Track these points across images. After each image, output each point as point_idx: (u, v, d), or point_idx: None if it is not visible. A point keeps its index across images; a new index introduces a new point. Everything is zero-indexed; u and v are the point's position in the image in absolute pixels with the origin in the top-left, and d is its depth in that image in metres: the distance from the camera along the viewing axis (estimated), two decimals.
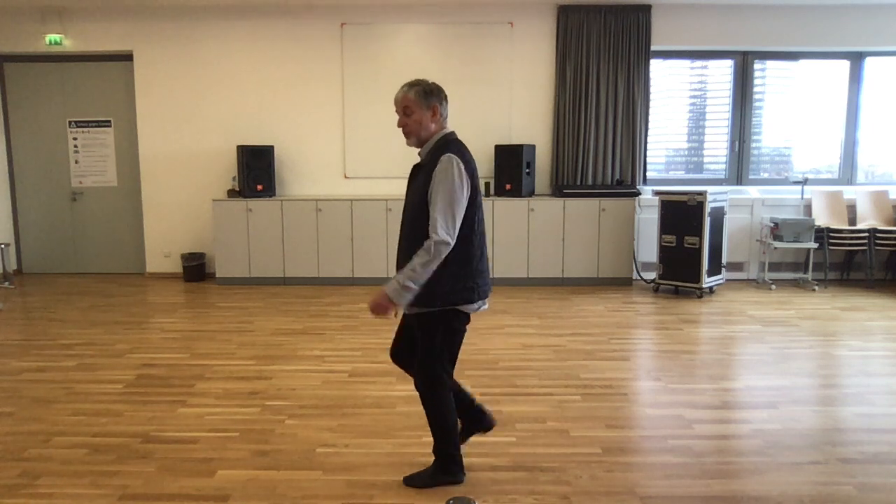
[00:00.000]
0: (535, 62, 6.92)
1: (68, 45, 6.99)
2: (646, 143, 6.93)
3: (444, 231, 2.38)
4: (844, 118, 7.11)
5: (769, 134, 7.17)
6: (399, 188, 7.00)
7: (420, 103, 2.53)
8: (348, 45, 6.92)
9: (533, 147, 6.75)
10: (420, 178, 2.51)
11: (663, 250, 6.32)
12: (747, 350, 4.50)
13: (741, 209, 6.90)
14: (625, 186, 6.78)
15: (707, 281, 6.14)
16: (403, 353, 2.71)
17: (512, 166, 6.61)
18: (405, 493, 2.60)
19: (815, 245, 6.47)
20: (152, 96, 7.06)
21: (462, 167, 2.43)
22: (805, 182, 6.64)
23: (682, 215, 6.14)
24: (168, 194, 7.18)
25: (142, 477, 2.74)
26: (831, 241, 6.54)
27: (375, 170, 7.05)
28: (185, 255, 7.02)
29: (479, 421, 2.79)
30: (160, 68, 7.02)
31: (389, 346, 2.72)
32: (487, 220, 6.53)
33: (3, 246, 6.96)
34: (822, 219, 6.71)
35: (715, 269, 6.28)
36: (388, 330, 4.99)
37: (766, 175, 7.23)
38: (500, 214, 6.55)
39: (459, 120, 6.89)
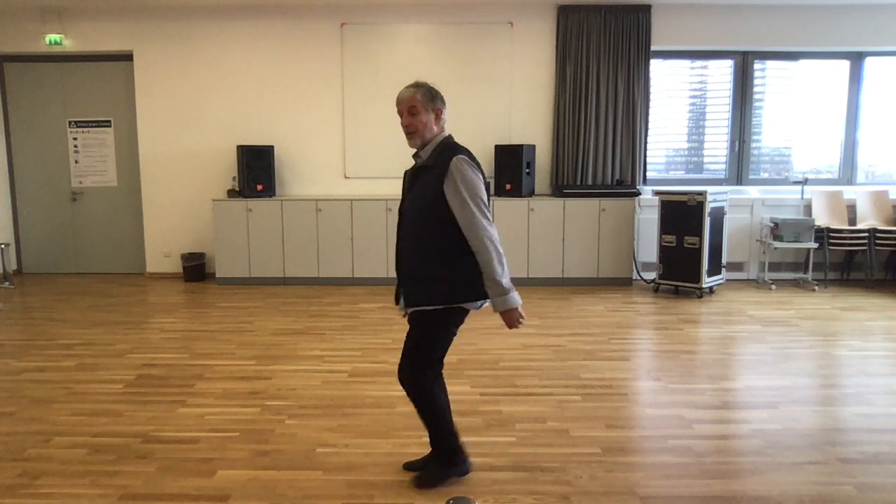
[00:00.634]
0: (535, 62, 6.92)
1: (68, 45, 6.99)
2: (646, 143, 6.93)
3: (486, 224, 2.42)
4: (844, 118, 7.12)
5: (769, 134, 7.17)
6: (399, 188, 7.00)
7: (426, 105, 2.54)
8: (348, 45, 6.92)
9: (533, 147, 6.75)
10: (424, 180, 2.50)
11: (663, 250, 6.32)
12: (747, 350, 4.50)
13: (741, 209, 6.90)
14: (625, 186, 6.78)
15: (707, 281, 6.14)
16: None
17: (512, 166, 6.61)
18: (405, 493, 2.60)
19: (815, 245, 6.47)
20: (152, 96, 7.06)
21: (473, 165, 2.50)
22: (805, 182, 6.64)
23: (682, 215, 6.14)
24: (168, 194, 7.18)
25: (142, 477, 2.74)
26: (831, 241, 6.54)
27: (375, 170, 7.05)
28: (185, 255, 7.02)
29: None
30: (160, 68, 7.02)
31: (398, 365, 2.70)
32: None
33: (3, 246, 6.96)
34: (822, 219, 6.71)
35: (715, 269, 6.28)
36: (387, 330, 5.00)
37: (766, 175, 7.23)
38: (500, 214, 6.55)
39: (459, 120, 6.91)
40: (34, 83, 7.23)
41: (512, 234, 6.58)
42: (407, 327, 2.63)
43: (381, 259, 6.65)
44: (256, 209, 6.64)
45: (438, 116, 2.57)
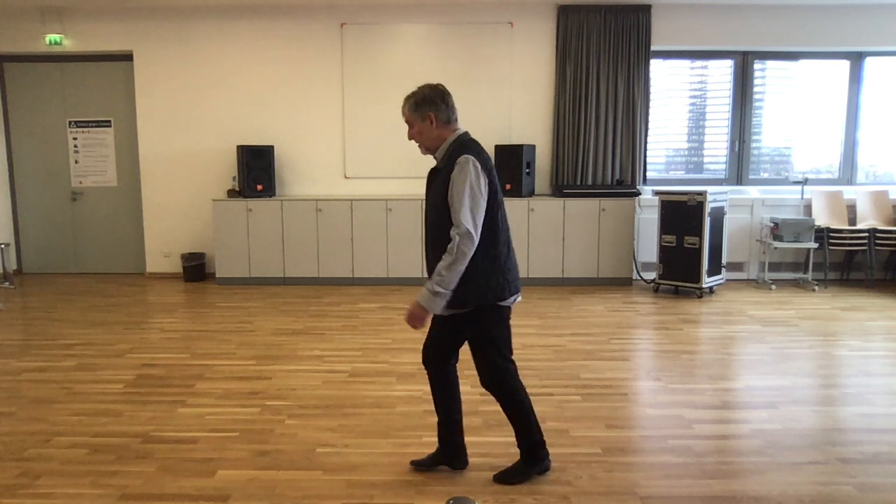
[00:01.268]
0: (535, 62, 6.92)
1: (68, 45, 6.99)
2: (646, 143, 6.93)
3: (466, 229, 2.38)
4: (844, 118, 7.11)
5: (769, 134, 7.17)
6: (399, 188, 7.01)
7: (414, 115, 2.54)
8: (348, 45, 6.92)
9: (533, 147, 6.75)
10: (437, 182, 2.52)
11: (663, 250, 6.32)
12: (747, 350, 4.50)
13: (741, 209, 6.90)
14: (625, 186, 6.78)
15: (707, 281, 6.14)
16: (438, 354, 2.69)
17: (512, 166, 6.61)
18: (405, 494, 2.60)
19: (815, 245, 6.47)
20: (152, 96, 7.06)
21: (479, 166, 2.43)
22: (805, 182, 6.64)
23: (682, 215, 6.14)
24: (168, 194, 7.18)
25: (142, 477, 2.74)
26: (831, 241, 6.54)
27: (375, 170, 7.05)
28: (185, 255, 7.02)
29: (455, 457, 2.76)
30: (160, 68, 7.02)
31: (422, 351, 2.71)
32: None
33: (3, 246, 6.96)
34: (822, 219, 6.71)
35: (715, 269, 6.28)
36: (387, 330, 5.00)
37: (766, 175, 7.23)
38: None
39: (460, 120, 6.89)
40: (34, 83, 7.23)
41: (512, 234, 6.56)
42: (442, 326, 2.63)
43: (381, 259, 6.65)
44: (256, 209, 6.64)
45: (432, 120, 2.52)
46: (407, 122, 2.57)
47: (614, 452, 2.95)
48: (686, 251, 6.15)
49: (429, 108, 2.52)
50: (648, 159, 7.01)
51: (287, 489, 2.64)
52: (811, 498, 2.56)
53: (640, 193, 6.71)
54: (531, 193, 6.73)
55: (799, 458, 2.90)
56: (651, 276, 6.82)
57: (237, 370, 4.11)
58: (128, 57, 7.07)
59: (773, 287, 6.58)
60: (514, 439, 3.07)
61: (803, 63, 7.07)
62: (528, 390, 3.69)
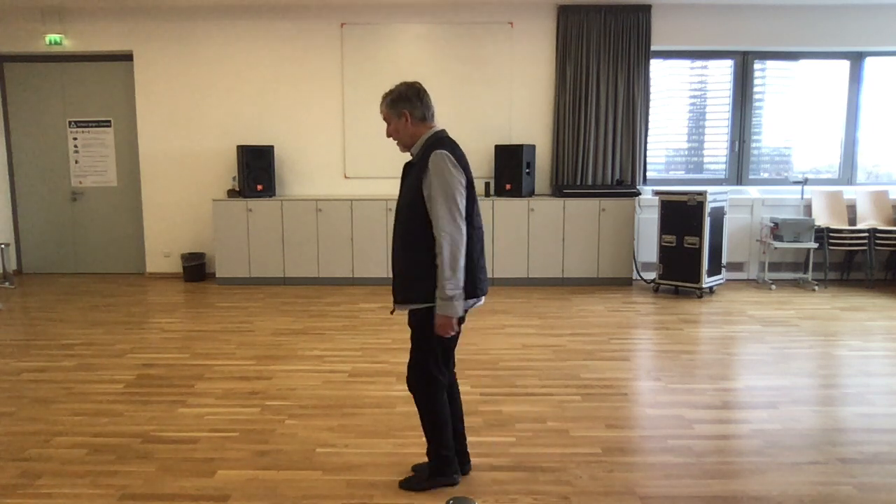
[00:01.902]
0: (535, 62, 6.92)
1: (68, 45, 6.99)
2: (646, 143, 6.93)
3: (451, 223, 2.37)
4: (844, 118, 7.11)
5: (769, 134, 7.17)
6: (399, 187, 7.00)
7: (391, 113, 2.55)
8: (348, 45, 6.92)
9: (533, 147, 6.75)
10: (411, 177, 2.51)
11: (663, 250, 6.32)
12: (747, 350, 4.50)
13: (741, 209, 6.90)
14: (625, 186, 6.77)
15: (707, 281, 6.14)
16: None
17: (512, 166, 6.61)
18: (405, 494, 2.61)
19: (815, 245, 6.47)
20: (152, 96, 7.06)
21: (454, 160, 2.42)
22: (805, 182, 6.64)
23: (682, 215, 6.14)
24: (168, 194, 7.18)
25: (142, 477, 2.74)
26: (831, 241, 6.54)
27: (375, 170, 7.05)
28: (185, 255, 7.02)
29: (460, 462, 2.74)
30: (160, 68, 7.02)
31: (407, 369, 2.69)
32: (487, 220, 6.53)
33: (3, 246, 6.96)
34: (822, 219, 6.71)
35: (715, 269, 6.28)
36: (387, 330, 5.00)
37: (766, 175, 7.23)
38: (500, 214, 6.55)
39: (460, 120, 6.91)
40: (34, 83, 7.23)
41: (512, 234, 6.58)
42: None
43: (381, 259, 6.65)
44: (256, 209, 6.64)
45: (408, 118, 2.52)
46: (384, 119, 2.59)
47: (614, 452, 2.95)
48: (686, 251, 6.15)
49: (404, 105, 2.53)
50: (648, 159, 7.01)
51: (287, 489, 2.64)
52: (811, 498, 2.56)
53: (640, 193, 6.71)
54: (531, 193, 6.73)
55: (799, 458, 2.90)
56: (651, 276, 6.81)
57: (237, 370, 4.11)
58: (128, 57, 7.07)
59: (773, 287, 6.58)
60: (514, 439, 3.08)
61: (803, 63, 7.07)
62: (528, 390, 3.72)
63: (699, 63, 7.10)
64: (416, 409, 2.62)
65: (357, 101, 6.99)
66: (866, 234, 6.47)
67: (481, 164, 7.00)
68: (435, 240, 2.41)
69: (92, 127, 7.28)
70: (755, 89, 7.09)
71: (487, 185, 6.83)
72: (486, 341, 4.70)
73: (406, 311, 2.56)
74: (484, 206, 6.53)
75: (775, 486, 2.65)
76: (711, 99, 7.13)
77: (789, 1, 6.67)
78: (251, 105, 7.05)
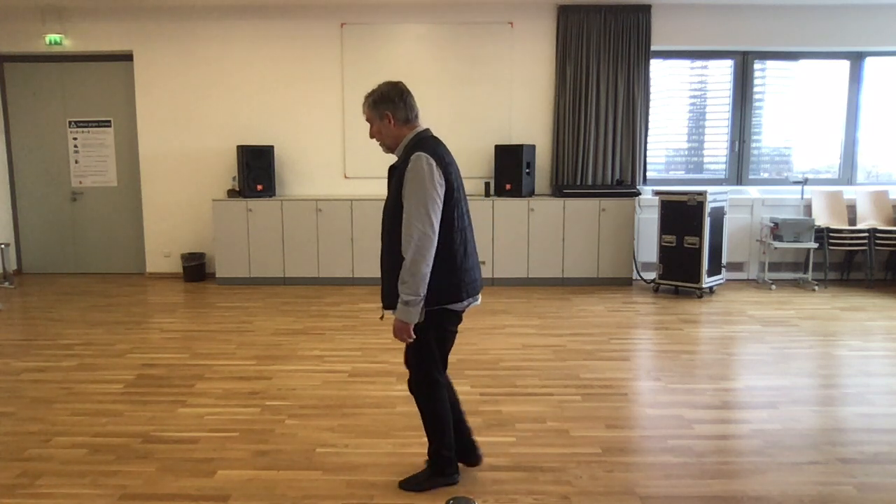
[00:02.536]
0: (535, 62, 6.92)
1: (68, 45, 6.99)
2: (646, 143, 6.92)
3: (418, 229, 2.33)
4: (844, 118, 7.11)
5: (769, 134, 7.17)
6: None
7: (373, 114, 2.52)
8: (348, 45, 6.92)
9: (533, 147, 6.75)
10: (395, 180, 2.48)
11: (663, 250, 6.32)
12: (747, 350, 4.50)
13: (741, 209, 6.90)
14: (625, 186, 6.77)
15: (707, 281, 6.14)
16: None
17: (512, 166, 6.61)
18: (405, 494, 2.61)
19: (815, 245, 6.47)
20: (152, 96, 7.06)
21: (433, 163, 2.37)
22: (805, 182, 6.64)
23: (682, 215, 6.14)
24: (168, 194, 7.18)
25: (142, 477, 2.74)
26: (831, 241, 6.54)
27: (375, 170, 7.04)
28: (185, 255, 7.02)
29: (467, 455, 2.74)
30: (160, 68, 7.02)
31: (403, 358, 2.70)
32: (487, 220, 6.53)
33: (3, 246, 6.96)
34: (822, 219, 6.71)
35: (715, 269, 6.27)
36: (387, 330, 5.00)
37: (766, 175, 7.23)
38: (500, 214, 6.55)
39: (460, 120, 6.91)
40: (34, 83, 7.23)
41: (512, 234, 6.58)
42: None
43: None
44: (256, 209, 6.64)
45: (390, 119, 2.49)
46: (367, 120, 2.55)
47: (614, 452, 2.95)
48: (686, 251, 6.15)
49: (386, 106, 2.49)
50: (648, 159, 7.01)
51: (287, 489, 2.64)
52: (811, 498, 2.56)
53: (640, 193, 6.71)
54: (531, 193, 6.73)
55: (799, 458, 2.90)
56: (651, 276, 6.81)
57: (237, 370, 4.11)
58: (128, 57, 7.07)
59: (773, 287, 6.58)
60: (514, 439, 3.08)
61: (803, 63, 7.07)
62: (528, 390, 3.72)
63: (699, 63, 7.10)
64: (417, 409, 2.62)
65: (357, 101, 6.96)
66: (866, 234, 6.47)
67: (481, 164, 7.00)
68: (439, 241, 2.39)
69: (92, 127, 7.28)
70: (755, 89, 7.09)
71: (487, 185, 6.83)
72: (486, 341, 4.70)
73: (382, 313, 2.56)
74: (484, 206, 6.53)
75: (775, 486, 2.65)
76: (711, 99, 7.13)
77: (789, 1, 6.67)
78: (251, 105, 7.05)
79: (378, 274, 6.61)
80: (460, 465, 2.73)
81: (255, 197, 6.72)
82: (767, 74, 7.08)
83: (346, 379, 3.93)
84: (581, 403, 3.53)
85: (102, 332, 5.00)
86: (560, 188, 6.75)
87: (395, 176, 2.48)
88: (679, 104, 7.12)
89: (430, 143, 2.46)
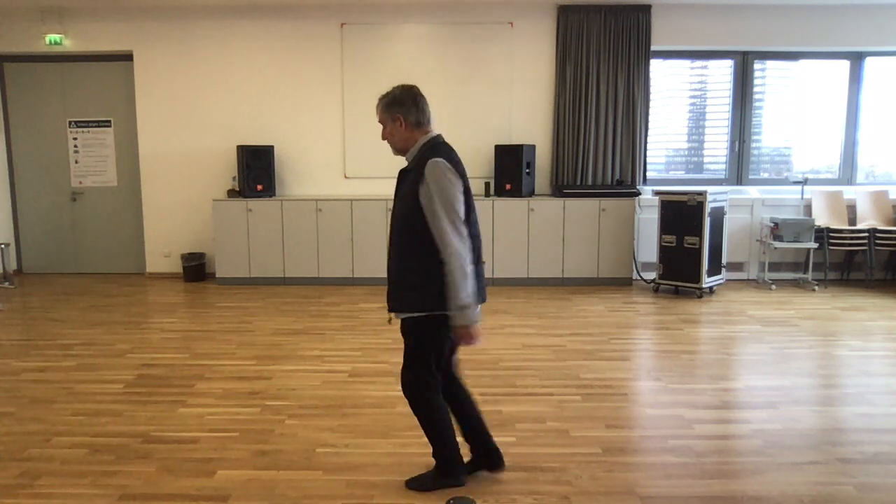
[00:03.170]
0: (535, 62, 6.92)
1: (68, 45, 6.99)
2: (646, 143, 6.92)
3: (454, 233, 2.35)
4: (844, 118, 7.11)
5: (769, 134, 7.17)
6: None
7: (385, 116, 2.52)
8: (348, 45, 6.92)
9: (533, 147, 6.75)
10: (406, 184, 2.48)
11: (663, 250, 6.32)
12: (747, 350, 4.50)
13: (741, 209, 6.90)
14: (625, 186, 6.77)
15: (707, 281, 6.14)
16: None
17: (512, 166, 6.61)
18: (405, 494, 2.61)
19: (815, 245, 6.47)
20: (152, 96, 7.06)
21: (451, 168, 2.40)
22: (805, 182, 6.64)
23: (682, 215, 6.14)
24: (168, 194, 7.18)
25: (142, 477, 2.74)
26: (831, 241, 6.54)
27: (375, 170, 7.05)
28: (185, 255, 7.02)
29: (489, 460, 2.71)
30: (160, 68, 7.02)
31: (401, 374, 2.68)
32: (487, 220, 6.53)
33: (3, 246, 6.96)
34: (822, 219, 6.71)
35: (715, 269, 6.28)
36: (387, 330, 5.00)
37: (766, 175, 7.23)
38: (500, 214, 6.55)
39: (460, 120, 6.91)
40: (34, 83, 7.23)
41: (512, 234, 6.58)
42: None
43: (381, 259, 6.65)
44: (256, 209, 6.64)
45: (401, 122, 2.49)
46: (380, 121, 2.55)
47: (614, 452, 2.95)
48: (686, 251, 6.15)
49: (398, 109, 2.49)
50: (648, 159, 7.01)
51: (287, 489, 2.64)
52: (811, 498, 2.56)
53: (640, 193, 6.71)
54: (531, 193, 6.73)
55: (799, 458, 2.90)
56: (651, 276, 6.81)
57: (237, 370, 4.11)
58: (128, 57, 7.07)
59: (773, 287, 6.58)
60: (514, 439, 3.08)
61: (803, 63, 7.07)
62: (528, 390, 3.72)
63: (699, 63, 7.10)
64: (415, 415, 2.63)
65: (357, 101, 6.99)
66: (866, 234, 6.47)
67: (481, 164, 7.00)
68: (432, 249, 2.39)
69: (92, 127, 7.28)
70: (755, 89, 7.09)
71: (487, 185, 6.83)
72: (486, 341, 4.70)
73: (399, 317, 2.56)
74: (484, 206, 6.54)
75: (775, 486, 2.65)
76: (711, 99, 7.13)
77: (789, 1, 6.67)
78: (251, 105, 7.05)
79: (379, 274, 6.62)
80: (483, 470, 2.73)
81: (255, 197, 6.72)
82: (767, 74, 7.08)
83: (346, 379, 3.93)
84: (581, 403, 3.53)
85: (102, 332, 5.00)
86: (560, 188, 6.75)
87: (408, 180, 2.48)
88: (679, 104, 7.12)
89: (444, 150, 2.47)
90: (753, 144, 7.16)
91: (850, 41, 6.86)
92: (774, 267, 6.98)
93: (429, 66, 6.89)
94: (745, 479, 2.70)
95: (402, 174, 2.55)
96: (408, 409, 3.42)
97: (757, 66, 7.06)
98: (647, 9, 6.72)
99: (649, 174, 7.08)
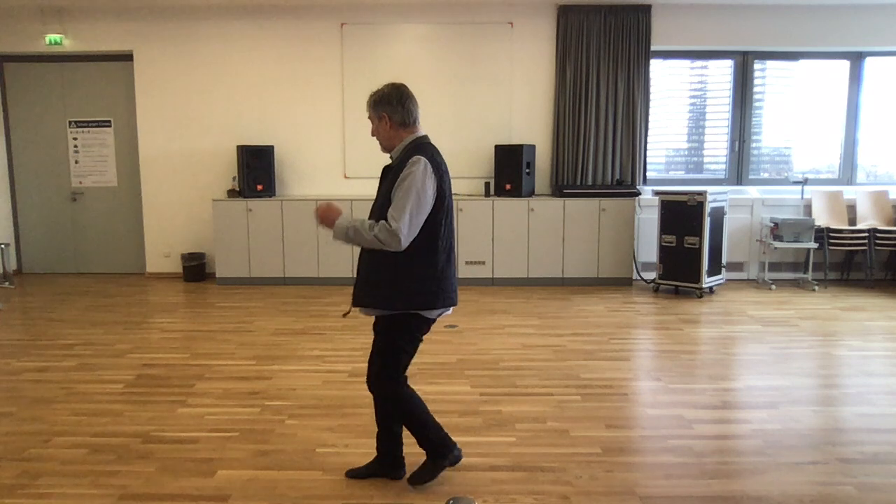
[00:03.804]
0: (535, 62, 6.92)
1: (68, 45, 6.99)
2: (646, 143, 6.92)
3: (402, 225, 2.32)
4: (844, 118, 7.11)
5: (769, 134, 7.17)
6: None
7: (372, 113, 2.55)
8: (348, 45, 6.92)
9: (533, 147, 6.75)
10: (387, 181, 2.49)
11: (663, 250, 6.32)
12: (747, 350, 4.50)
13: (741, 209, 6.90)
14: (625, 186, 6.78)
15: (707, 281, 6.14)
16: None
17: (512, 166, 6.61)
18: (405, 494, 2.60)
19: (815, 245, 6.47)
20: (152, 96, 7.06)
21: (430, 169, 2.39)
22: (805, 182, 6.64)
23: (682, 215, 6.14)
24: (168, 194, 7.18)
25: (142, 477, 2.74)
26: (831, 241, 6.54)
27: (375, 170, 6.95)
28: (185, 255, 7.02)
29: (392, 468, 2.72)
30: (160, 68, 7.02)
31: (366, 376, 2.67)
32: (487, 220, 6.53)
33: (3, 246, 6.96)
34: (822, 219, 6.71)
35: (715, 269, 6.27)
36: None
37: (766, 175, 7.23)
38: (500, 214, 6.55)
39: (460, 120, 6.91)
40: (34, 83, 7.23)
41: (512, 234, 6.58)
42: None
43: None
44: (256, 209, 6.64)
45: (387, 120, 2.51)
46: (368, 118, 2.59)
47: (614, 452, 2.95)
48: (686, 251, 6.15)
49: (384, 108, 2.51)
50: (648, 159, 7.01)
51: (287, 489, 2.64)
52: (811, 498, 2.56)
53: (640, 193, 6.71)
54: (531, 193, 6.73)
55: (799, 458, 2.90)
56: (651, 276, 6.81)
57: (237, 370, 4.11)
58: (128, 57, 7.07)
59: (773, 287, 6.58)
60: (514, 439, 3.08)
61: (803, 63, 7.07)
62: (528, 390, 3.71)
63: (699, 63, 7.10)
64: (377, 412, 2.63)
65: (357, 101, 6.99)
66: (866, 234, 6.47)
67: (481, 164, 7.00)
68: (408, 247, 2.37)
69: (92, 127, 7.28)
70: (755, 89, 7.09)
71: (487, 185, 6.83)
72: (486, 341, 4.70)
73: (364, 314, 2.60)
74: (484, 206, 6.53)
75: (775, 486, 2.65)
76: (711, 99, 7.13)
77: (789, 1, 6.67)
78: (251, 105, 7.05)
79: None
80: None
81: (255, 197, 6.72)
82: (767, 74, 7.08)
83: (346, 379, 3.93)
84: (581, 403, 3.53)
85: (102, 332, 5.00)
86: (560, 188, 6.75)
87: (389, 177, 2.49)
88: (679, 104, 7.12)
89: (428, 150, 2.47)
90: (753, 144, 7.16)
91: (850, 41, 6.86)
92: (774, 267, 6.98)
93: (429, 66, 6.89)
94: (745, 479, 2.70)
95: (385, 171, 2.57)
96: None
97: (757, 66, 7.06)
98: (647, 9, 6.72)
99: (649, 174, 7.08)
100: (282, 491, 2.62)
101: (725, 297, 6.18)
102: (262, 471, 2.79)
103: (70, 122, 7.28)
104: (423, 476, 2.64)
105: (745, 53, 7.00)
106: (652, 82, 6.94)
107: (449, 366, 4.12)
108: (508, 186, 6.64)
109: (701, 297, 6.14)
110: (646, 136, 6.91)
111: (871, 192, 6.81)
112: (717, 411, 3.42)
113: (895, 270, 6.91)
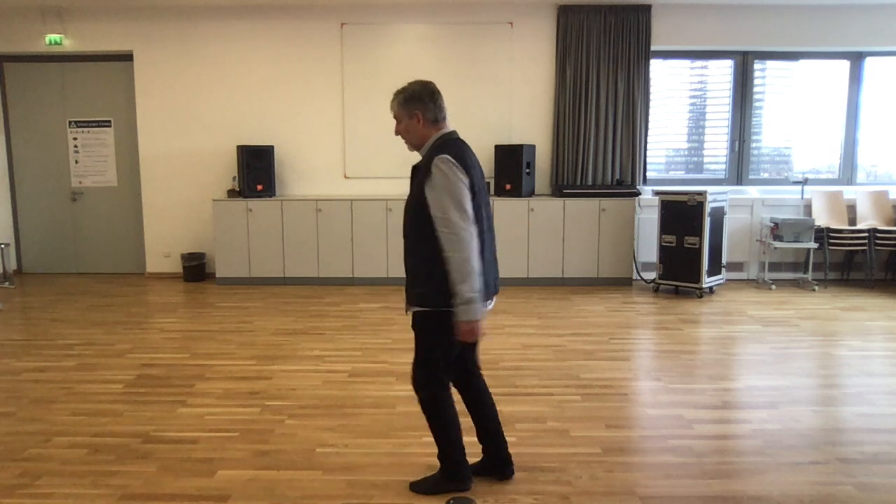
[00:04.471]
0: (535, 62, 6.92)
1: (68, 45, 6.99)
2: (646, 143, 6.93)
3: (461, 228, 2.30)
4: (844, 118, 7.11)
5: (769, 134, 7.17)
6: (399, 188, 7.01)
7: (402, 112, 2.52)
8: (348, 45, 6.92)
9: (533, 147, 6.75)
10: (416, 180, 2.48)
11: (663, 250, 6.32)
12: (747, 350, 4.50)
13: (741, 209, 6.90)
14: (625, 186, 6.77)
15: (707, 281, 6.14)
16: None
17: (512, 166, 6.61)
18: (405, 494, 2.60)
19: (815, 245, 6.47)
20: (152, 96, 7.06)
21: (452, 162, 2.36)
22: (805, 182, 6.64)
23: (682, 215, 6.14)
24: (168, 194, 7.18)
25: (142, 477, 2.74)
26: (831, 241, 6.54)
27: (375, 170, 7.05)
28: (185, 255, 7.02)
29: (500, 468, 2.70)
30: (160, 68, 7.02)
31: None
32: None
33: (3, 246, 6.96)
34: (822, 219, 6.71)
35: (715, 269, 6.27)
36: (387, 330, 5.00)
37: (766, 175, 7.23)
38: (500, 214, 6.55)
39: (459, 120, 6.91)
40: (34, 83, 7.23)
41: (512, 234, 6.58)
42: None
43: (381, 259, 6.65)
44: (256, 209, 6.64)
45: (419, 118, 2.49)
46: (395, 117, 2.55)
47: (614, 452, 2.95)
48: (686, 251, 6.15)
49: (416, 105, 2.50)
50: (648, 159, 7.01)
51: (287, 489, 2.64)
52: (811, 498, 2.56)
53: (640, 193, 6.71)
54: (531, 193, 6.73)
55: (799, 458, 2.90)
56: (651, 276, 6.81)
57: (237, 370, 4.11)
58: (128, 57, 7.07)
59: (773, 287, 6.58)
60: (514, 439, 3.08)
61: (803, 63, 7.07)
62: (528, 390, 3.71)
63: (699, 63, 7.10)
64: (417, 409, 2.61)
65: (357, 101, 6.99)
66: (866, 234, 6.47)
67: (481, 164, 6.98)
68: (437, 244, 2.35)
69: (92, 127, 7.28)
70: (755, 89, 7.09)
71: (487, 185, 6.81)
72: (486, 341, 4.69)
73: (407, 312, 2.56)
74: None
75: (775, 486, 2.65)
76: (711, 99, 7.13)
77: (789, 1, 6.67)
78: (251, 105, 7.05)
79: (379, 274, 6.63)
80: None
81: (255, 197, 6.72)
82: (767, 74, 7.08)
83: (346, 379, 3.93)
84: (581, 403, 3.53)
85: (102, 332, 5.00)
86: (560, 188, 6.75)
87: (418, 176, 2.47)
88: (679, 104, 7.12)
89: (454, 146, 2.45)
90: (753, 144, 7.16)
91: (850, 41, 6.86)
92: (774, 267, 6.98)
93: (429, 66, 6.89)
94: (745, 479, 2.70)
95: (415, 169, 2.54)
96: (408, 409, 3.42)
97: (757, 66, 7.06)
98: (647, 9, 6.72)
99: (649, 174, 7.08)
100: (282, 491, 2.62)
101: (725, 297, 6.18)
102: (262, 471, 2.79)
103: (70, 122, 7.28)
104: (426, 487, 2.62)
105: (745, 53, 7.01)
106: (652, 82, 6.94)
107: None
108: (508, 186, 6.64)
109: (701, 297, 6.14)
110: (646, 136, 6.91)
111: (871, 192, 6.81)
112: (717, 411, 3.42)
113: (895, 270, 6.91)
